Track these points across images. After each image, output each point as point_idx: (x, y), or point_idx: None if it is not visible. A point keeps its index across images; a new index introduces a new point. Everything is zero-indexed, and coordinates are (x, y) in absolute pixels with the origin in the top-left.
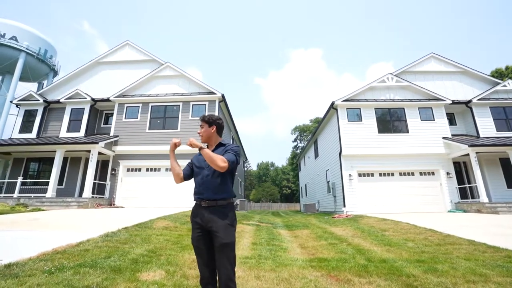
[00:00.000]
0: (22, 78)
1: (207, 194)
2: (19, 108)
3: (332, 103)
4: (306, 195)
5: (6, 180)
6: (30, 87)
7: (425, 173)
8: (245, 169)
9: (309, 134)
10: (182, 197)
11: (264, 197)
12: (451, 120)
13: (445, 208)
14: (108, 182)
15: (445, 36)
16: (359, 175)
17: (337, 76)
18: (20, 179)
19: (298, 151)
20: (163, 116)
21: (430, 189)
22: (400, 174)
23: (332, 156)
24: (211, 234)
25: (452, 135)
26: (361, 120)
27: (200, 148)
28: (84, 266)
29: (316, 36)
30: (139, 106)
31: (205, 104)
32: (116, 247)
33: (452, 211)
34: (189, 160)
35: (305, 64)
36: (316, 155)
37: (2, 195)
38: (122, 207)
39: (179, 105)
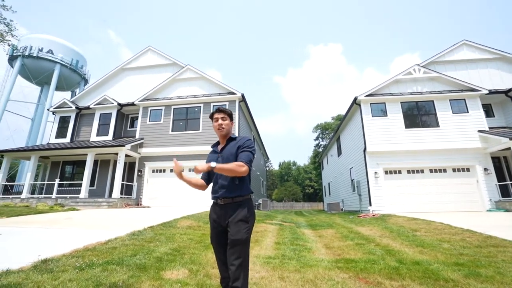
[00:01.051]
0: (58, 88)
1: (222, 193)
2: (55, 115)
3: (355, 99)
4: (329, 194)
5: (45, 182)
6: (64, 96)
7: (458, 170)
8: (267, 168)
9: (331, 132)
10: (204, 197)
11: (287, 197)
12: (488, 111)
13: (484, 207)
14: (135, 183)
15: (476, 22)
16: (386, 172)
17: (358, 71)
18: (57, 181)
19: (320, 150)
20: (185, 117)
21: (465, 187)
22: (431, 171)
23: (356, 153)
24: (226, 232)
25: (490, 127)
26: (386, 115)
27: (212, 168)
28: (112, 263)
29: (335, 31)
30: (162, 109)
31: (226, 104)
32: (142, 246)
33: (492, 210)
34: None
35: (325, 61)
36: (339, 153)
37: (43, 195)
38: (149, 206)
39: (200, 107)
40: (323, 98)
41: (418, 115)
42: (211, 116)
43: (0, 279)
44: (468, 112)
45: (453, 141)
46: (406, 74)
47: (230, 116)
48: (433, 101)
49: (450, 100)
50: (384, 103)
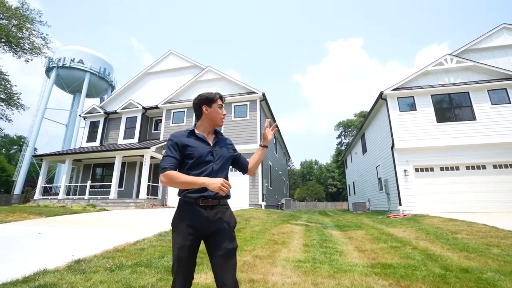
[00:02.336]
0: (88, 95)
1: (211, 192)
2: (85, 120)
3: (381, 94)
4: (354, 193)
5: (79, 184)
6: (94, 102)
7: (500, 166)
8: (289, 168)
9: (354, 129)
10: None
11: (309, 196)
12: None
13: None
14: (160, 184)
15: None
16: (416, 170)
17: (381, 66)
18: (89, 183)
19: (343, 148)
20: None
21: (508, 185)
22: (467, 167)
23: (382, 150)
24: (208, 239)
25: None
26: (415, 110)
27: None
28: (140, 265)
29: (355, 25)
30: (184, 111)
31: (247, 104)
32: (168, 247)
33: None
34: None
35: (345, 56)
36: (364, 150)
37: (76, 196)
38: (173, 207)
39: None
40: (345, 95)
41: (451, 108)
42: (212, 100)
43: (37, 279)
44: (510, 102)
45: (493, 135)
46: (436, 65)
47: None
48: (468, 92)
49: (488, 90)
50: (413, 96)
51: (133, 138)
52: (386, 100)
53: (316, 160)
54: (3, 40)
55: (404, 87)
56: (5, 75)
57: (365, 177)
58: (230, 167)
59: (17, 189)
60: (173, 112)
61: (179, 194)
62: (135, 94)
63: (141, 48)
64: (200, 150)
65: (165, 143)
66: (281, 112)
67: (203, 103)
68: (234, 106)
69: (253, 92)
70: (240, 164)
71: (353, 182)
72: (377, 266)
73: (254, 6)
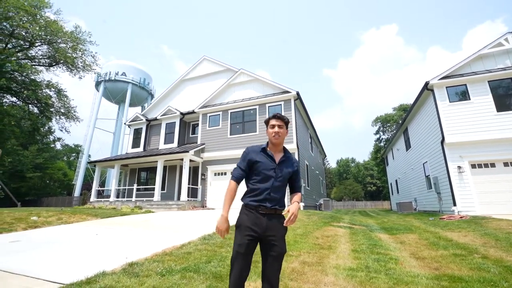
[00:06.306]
0: (131, 104)
1: (270, 203)
2: (130, 128)
3: (426, 84)
4: (397, 192)
5: (126, 187)
6: (136, 111)
7: None
8: (325, 166)
9: (393, 124)
10: None
11: (346, 195)
12: None
13: None
14: (199, 186)
15: None
16: (473, 166)
17: (421, 52)
18: (135, 186)
19: (382, 144)
20: (242, 121)
21: None
22: None
23: (430, 146)
24: (263, 241)
25: None
26: (469, 99)
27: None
28: (189, 271)
29: (387, 10)
30: (219, 114)
31: (281, 104)
32: (213, 251)
33: None
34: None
35: (378, 46)
36: (408, 146)
37: (125, 199)
38: (213, 208)
39: (255, 109)
40: (380, 88)
41: None
42: (267, 122)
43: (98, 280)
44: None
45: None
46: (494, 46)
47: (287, 124)
48: None
49: None
50: (465, 84)
51: (173, 142)
52: (432, 90)
53: (353, 158)
54: (61, 61)
55: (453, 75)
56: (64, 91)
57: (410, 174)
58: None
59: (76, 192)
60: (209, 116)
61: (242, 199)
62: (173, 101)
63: (172, 54)
64: (265, 165)
65: (202, 146)
66: (313, 109)
67: (266, 125)
68: (268, 106)
69: (287, 92)
70: (291, 185)
71: (396, 180)
72: (443, 279)
73: (279, 5)
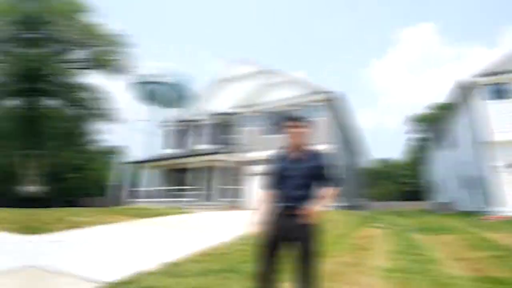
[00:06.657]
0: (167, 105)
1: (292, 202)
2: (165, 129)
3: (464, 82)
4: (435, 192)
5: (161, 188)
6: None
7: None
8: (362, 167)
9: (430, 124)
10: None
11: (382, 196)
12: None
13: None
14: (237, 187)
15: None
16: None
17: (458, 51)
18: (170, 187)
19: (418, 144)
20: (278, 121)
21: None
22: None
23: (470, 145)
24: (290, 241)
25: None
26: None
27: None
28: (226, 271)
29: (424, 8)
30: (257, 115)
31: (318, 105)
32: (250, 251)
33: None
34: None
35: (414, 44)
36: (446, 145)
37: (159, 199)
38: (251, 209)
39: (294, 110)
40: (416, 87)
41: None
42: (284, 125)
43: (140, 280)
44: None
45: None
46: None
47: (305, 125)
48: None
49: None
50: (508, 82)
51: (208, 143)
52: (472, 88)
53: (388, 157)
54: (102, 65)
55: (495, 71)
56: (108, 94)
57: (448, 174)
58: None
59: (113, 192)
60: (246, 117)
61: (268, 201)
62: (209, 102)
63: (205, 54)
64: (284, 167)
65: (241, 146)
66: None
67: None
68: (306, 107)
69: (323, 92)
70: (316, 181)
71: (433, 180)
72: (485, 281)
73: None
